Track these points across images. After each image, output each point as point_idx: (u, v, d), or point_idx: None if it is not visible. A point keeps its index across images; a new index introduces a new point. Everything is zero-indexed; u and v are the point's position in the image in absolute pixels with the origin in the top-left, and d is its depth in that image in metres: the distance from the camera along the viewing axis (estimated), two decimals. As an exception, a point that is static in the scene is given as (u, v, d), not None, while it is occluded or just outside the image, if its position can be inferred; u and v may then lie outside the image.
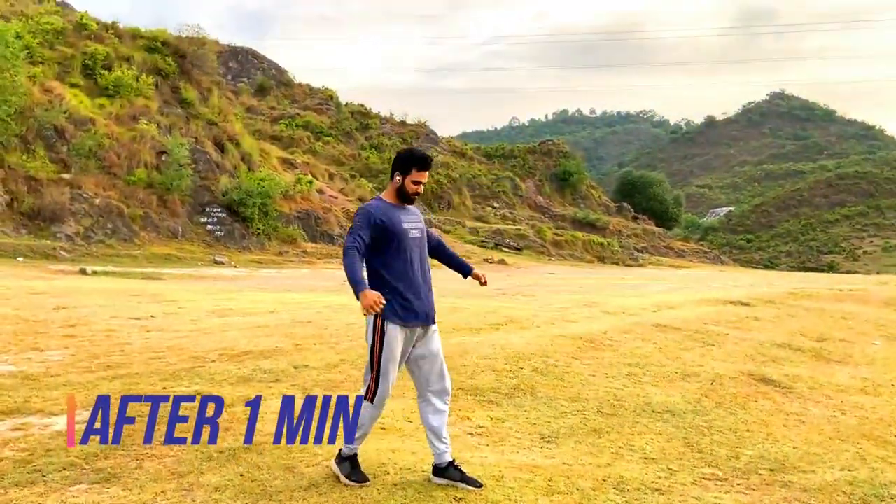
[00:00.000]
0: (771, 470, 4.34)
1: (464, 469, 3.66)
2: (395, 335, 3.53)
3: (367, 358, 3.61)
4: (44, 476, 3.57)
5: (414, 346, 3.66)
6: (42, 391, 5.12)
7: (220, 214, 28.20)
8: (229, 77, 60.95)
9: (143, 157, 26.88)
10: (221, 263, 24.67)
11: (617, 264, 41.38)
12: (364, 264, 3.52)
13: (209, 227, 27.76)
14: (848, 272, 78.66)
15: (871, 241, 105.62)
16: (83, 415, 4.62)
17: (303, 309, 10.34)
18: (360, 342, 7.61)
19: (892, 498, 3.83)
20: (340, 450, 3.69)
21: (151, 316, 8.89)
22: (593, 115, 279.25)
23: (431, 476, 3.65)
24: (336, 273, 23.20)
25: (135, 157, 26.63)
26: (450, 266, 4.11)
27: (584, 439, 4.80)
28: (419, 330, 3.65)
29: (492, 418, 5.19)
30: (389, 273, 3.58)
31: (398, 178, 3.65)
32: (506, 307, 11.94)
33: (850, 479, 4.14)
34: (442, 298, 13.42)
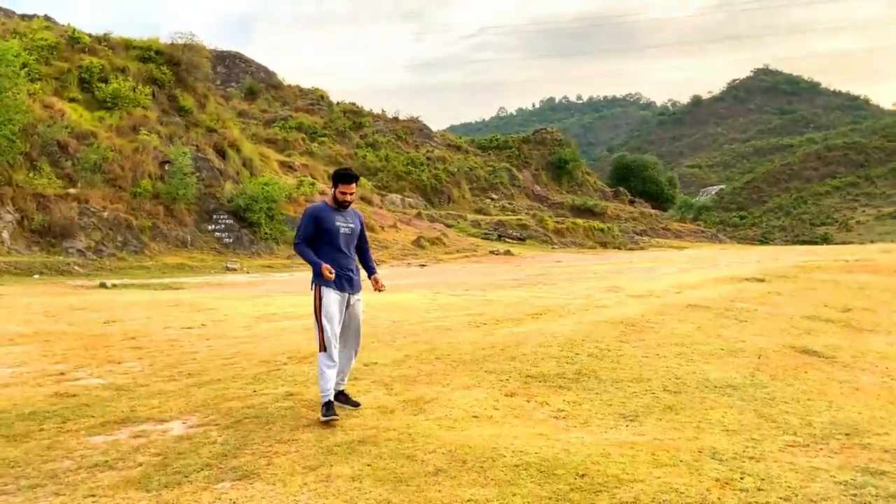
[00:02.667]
0: (846, 434, 4.63)
1: (348, 395, 5.15)
2: (329, 295, 4.90)
3: (313, 321, 4.96)
4: (186, 477, 3.82)
5: (345, 311, 5.01)
6: (140, 400, 5.35)
7: (227, 221, 28.37)
8: (218, 82, 60.83)
9: (147, 167, 27.01)
10: (234, 270, 24.85)
11: (619, 249, 41.73)
12: (308, 247, 4.95)
13: (217, 234, 27.93)
14: (842, 243, 79.27)
15: (864, 211, 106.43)
16: (191, 420, 4.87)
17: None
18: (414, 338, 7.87)
19: (970, 452, 4.12)
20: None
21: (202, 325, 9.11)
22: (580, 102, 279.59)
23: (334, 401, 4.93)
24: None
25: (138, 169, 26.74)
26: (362, 261, 5.31)
27: (663, 416, 5.07)
28: (348, 296, 5.01)
29: (568, 402, 5.46)
30: (324, 256, 4.91)
31: (331, 189, 5.00)
32: (534, 297, 12.21)
33: (925, 438, 4.44)
34: (468, 292, 13.71)
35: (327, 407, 4.79)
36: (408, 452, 4.13)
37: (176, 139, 28.96)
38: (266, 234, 29.07)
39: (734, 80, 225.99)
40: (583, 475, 3.66)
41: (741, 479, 3.64)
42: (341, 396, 5.05)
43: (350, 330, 5.09)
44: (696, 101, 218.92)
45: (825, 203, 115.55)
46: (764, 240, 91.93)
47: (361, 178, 45.74)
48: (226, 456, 4.13)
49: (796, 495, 3.41)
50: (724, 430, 4.73)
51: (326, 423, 4.65)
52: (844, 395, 5.80)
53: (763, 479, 3.64)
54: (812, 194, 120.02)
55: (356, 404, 5.05)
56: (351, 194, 4.99)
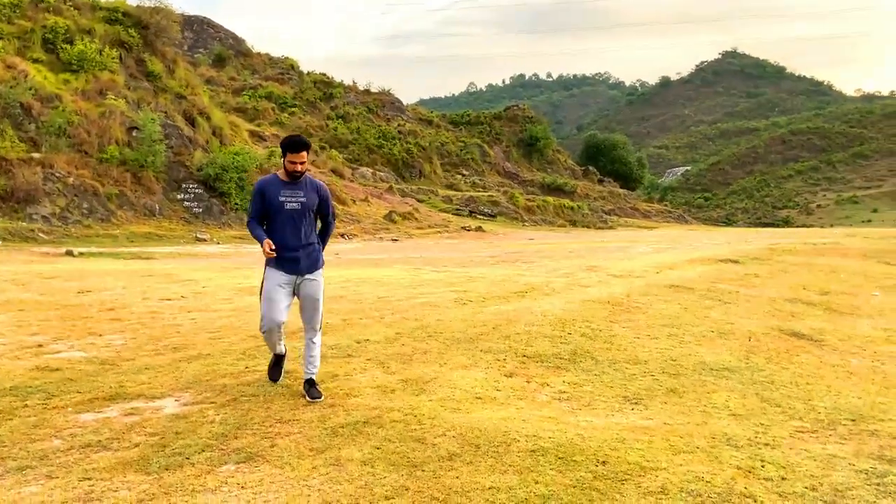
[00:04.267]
0: (852, 420, 4.62)
1: (316, 384, 4.77)
2: (273, 275, 4.67)
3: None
4: (187, 458, 3.63)
5: (297, 291, 4.76)
6: (128, 375, 5.12)
7: (196, 191, 27.69)
8: (185, 48, 59.14)
9: (114, 133, 26.13)
10: (204, 240, 24.32)
11: (588, 227, 41.94)
12: (257, 224, 4.71)
13: (186, 203, 27.25)
14: (803, 226, 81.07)
15: (825, 195, 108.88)
16: (184, 397, 4.67)
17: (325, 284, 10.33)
18: (403, 315, 7.72)
19: (979, 439, 4.14)
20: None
21: (182, 297, 8.83)
22: (550, 80, 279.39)
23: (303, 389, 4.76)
24: (327, 247, 23.10)
25: (105, 134, 25.86)
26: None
27: (668, 399, 5.02)
28: (296, 277, 4.71)
29: (568, 383, 5.38)
30: (272, 232, 4.63)
31: (282, 159, 4.65)
32: (517, 274, 12.13)
33: (931, 425, 4.45)
34: (448, 269, 13.57)
35: (275, 360, 5.02)
36: (416, 435, 3.99)
37: (144, 105, 28.06)
38: (236, 204, 28.46)
39: (702, 62, 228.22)
40: (603, 462, 3.56)
41: (762, 467, 3.59)
42: (306, 385, 4.73)
43: (305, 312, 4.82)
44: (665, 82, 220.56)
45: (788, 187, 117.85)
46: (728, 221, 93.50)
47: (333, 150, 45.10)
48: (226, 437, 3.95)
49: (821, 484, 3.36)
50: (732, 415, 4.69)
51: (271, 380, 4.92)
52: (840, 380, 5.83)
53: (784, 468, 3.59)
54: (775, 178, 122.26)
55: (316, 397, 4.59)
56: (301, 164, 4.56)
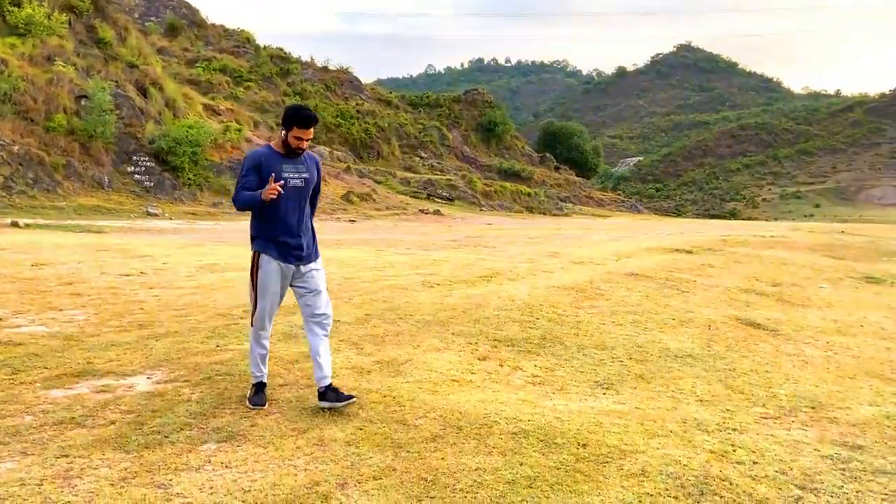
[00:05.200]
0: (812, 408, 4.82)
1: (339, 389, 4.12)
2: (270, 266, 4.03)
3: (249, 288, 4.16)
4: (166, 437, 3.58)
5: (293, 282, 4.15)
6: (95, 351, 5.00)
7: (147, 164, 26.95)
8: (136, 15, 57.30)
9: (62, 101, 25.21)
10: (155, 215, 23.75)
11: (544, 214, 42.36)
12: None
13: (137, 177, 26.53)
14: (748, 219, 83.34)
15: (770, 189, 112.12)
16: (157, 375, 4.58)
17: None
18: (371, 296, 7.70)
19: (931, 428, 4.36)
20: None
21: (141, 272, 8.62)
22: (508, 65, 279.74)
23: (318, 402, 4.07)
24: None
25: (53, 102, 24.93)
26: None
27: (637, 385, 5.15)
28: (293, 268, 4.10)
29: (540, 368, 5.46)
30: (267, 215, 4.01)
31: (283, 132, 3.99)
32: (480, 259, 12.20)
33: (885, 414, 4.66)
34: (411, 251, 13.57)
35: (256, 389, 4.13)
36: (397, 417, 4.01)
37: (94, 73, 27.13)
38: (189, 179, 27.82)
39: (658, 55, 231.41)
40: (584, 445, 3.64)
41: (734, 451, 3.72)
42: (331, 393, 4.04)
43: (314, 308, 4.12)
44: (621, 73, 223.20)
45: (735, 180, 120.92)
46: (677, 212, 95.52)
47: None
48: (205, 415, 3.90)
49: (791, 469, 3.51)
50: (699, 401, 4.83)
51: (253, 408, 4.00)
52: (797, 369, 6.06)
53: (754, 452, 3.72)
54: (724, 171, 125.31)
55: (349, 398, 4.05)
56: (307, 141, 4.00)
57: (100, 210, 23.09)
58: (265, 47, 59.27)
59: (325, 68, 58.33)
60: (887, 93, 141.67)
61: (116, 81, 28.06)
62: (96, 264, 9.11)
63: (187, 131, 27.96)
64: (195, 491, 3.00)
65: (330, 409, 3.99)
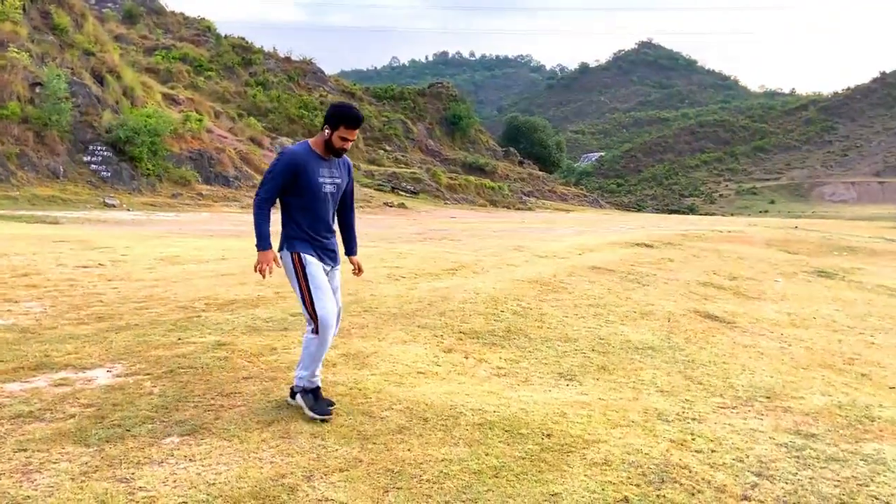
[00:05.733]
0: (767, 398, 4.95)
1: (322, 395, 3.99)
2: (314, 263, 3.82)
3: (298, 298, 3.86)
4: (128, 430, 3.52)
5: None
6: (52, 344, 4.89)
7: (104, 153, 26.36)
8: (93, 2, 55.79)
9: (15, 88, 24.52)
10: (113, 206, 23.25)
11: (508, 208, 42.59)
12: (269, 212, 3.80)
13: (94, 167, 25.93)
14: (706, 214, 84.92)
15: (727, 185, 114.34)
16: (116, 368, 4.51)
17: (251, 256, 10.09)
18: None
19: (880, 418, 4.53)
20: (294, 385, 3.93)
21: (100, 264, 8.45)
22: (473, 59, 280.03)
23: (289, 398, 3.99)
24: (242, 217, 22.53)
25: (6, 89, 24.23)
26: (342, 232, 4.18)
27: (600, 376, 5.23)
28: (328, 267, 3.95)
29: (505, 360, 5.51)
30: (302, 216, 3.82)
31: (327, 131, 3.71)
32: (445, 252, 12.23)
33: (837, 404, 4.82)
34: (376, 244, 13.53)
35: (316, 396, 3.85)
36: (363, 409, 4.01)
37: (49, 60, 26.40)
38: (148, 169, 27.31)
39: (620, 51, 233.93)
40: (549, 435, 3.69)
41: (693, 440, 3.81)
42: (310, 396, 3.93)
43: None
44: (584, 69, 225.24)
45: (694, 176, 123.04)
46: (638, 207, 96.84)
47: (251, 118, 43.73)
48: (167, 409, 3.85)
49: (747, 456, 3.61)
50: (659, 391, 4.93)
51: (322, 421, 3.72)
52: (753, 360, 6.22)
53: (713, 441, 3.82)
54: (683, 167, 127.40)
55: (330, 404, 3.93)
56: (352, 142, 3.78)
57: (55, 200, 22.53)
58: (226, 36, 58.35)
59: (287, 59, 57.68)
60: (839, 92, 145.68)
61: (72, 69, 27.37)
62: (53, 256, 8.90)
63: (146, 121, 27.42)
64: (158, 484, 2.97)
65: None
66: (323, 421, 3.73)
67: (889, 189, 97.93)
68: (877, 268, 15.72)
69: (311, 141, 3.83)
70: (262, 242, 3.70)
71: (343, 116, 3.68)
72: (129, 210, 22.98)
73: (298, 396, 3.89)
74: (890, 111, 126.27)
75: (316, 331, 3.79)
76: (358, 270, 4.24)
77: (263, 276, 3.78)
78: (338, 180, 3.88)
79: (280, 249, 3.87)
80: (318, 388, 3.91)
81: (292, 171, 3.70)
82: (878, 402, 4.97)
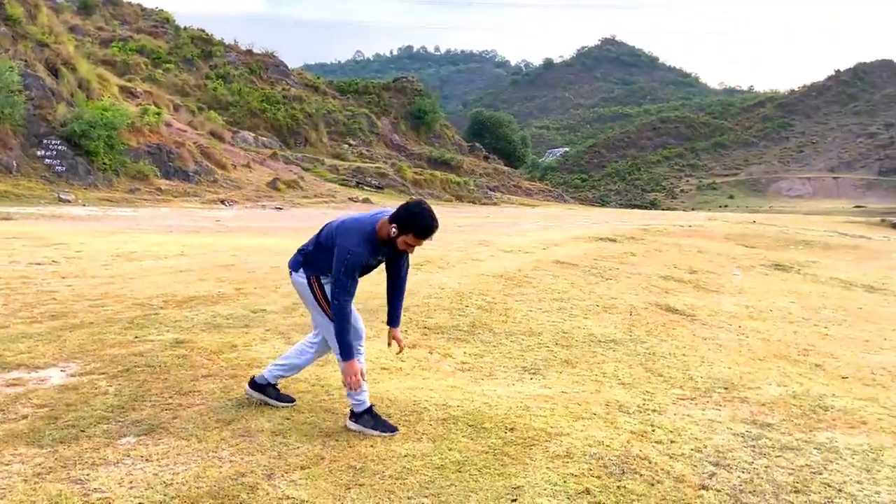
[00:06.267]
0: (725, 388, 5.05)
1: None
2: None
3: (320, 317, 3.68)
4: (83, 431, 3.44)
5: None
6: (4, 343, 4.75)
7: (59, 147, 25.64)
8: (46, -9, 54.20)
9: (-35, 80, 23.67)
10: (68, 202, 22.66)
11: (473, 203, 42.65)
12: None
13: (48, 161, 25.22)
14: (668, 209, 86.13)
15: (688, 181, 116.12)
16: (70, 368, 4.39)
17: (212, 252, 9.97)
18: (298, 285, 7.57)
19: (833, 408, 4.64)
20: (352, 409, 3.68)
21: (54, 261, 8.23)
22: (438, 53, 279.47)
23: (248, 388, 3.93)
24: (202, 213, 22.14)
25: (-46, 81, 23.38)
26: (389, 303, 3.95)
27: (563, 370, 5.27)
28: None
29: (469, 355, 5.52)
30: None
31: (394, 230, 3.44)
32: (409, 247, 12.19)
33: (792, 394, 4.93)
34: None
35: (374, 414, 3.65)
36: (326, 406, 3.98)
37: (1, 51, 25.57)
38: (104, 164, 26.63)
39: (583, 48, 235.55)
40: (511, 429, 3.71)
41: (653, 431, 3.86)
42: (272, 389, 3.93)
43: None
44: (548, 64, 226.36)
45: (656, 171, 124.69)
46: (602, 202, 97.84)
47: (212, 111, 42.99)
48: (123, 408, 3.77)
49: (705, 446, 3.67)
50: (621, 384, 4.99)
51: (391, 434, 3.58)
52: (712, 352, 6.33)
53: (672, 432, 3.88)
54: (645, 162, 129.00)
55: (290, 400, 3.96)
56: (416, 247, 3.58)
57: (7, 196, 21.87)
58: (185, 28, 57.23)
59: (249, 52, 56.79)
60: (796, 89, 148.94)
61: (26, 60, 26.56)
62: (5, 252, 8.64)
63: (102, 114, 26.74)
64: (114, 485, 2.90)
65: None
66: (392, 433, 3.59)
67: (843, 184, 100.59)
68: (831, 261, 16.14)
69: (378, 225, 3.49)
70: (349, 352, 3.45)
71: (416, 227, 3.42)
72: (84, 205, 22.44)
73: (352, 422, 3.67)
74: (844, 108, 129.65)
75: (347, 355, 3.51)
76: (399, 347, 3.88)
77: (355, 389, 3.52)
78: (387, 256, 3.66)
79: (296, 271, 3.73)
80: (371, 407, 3.69)
81: (361, 265, 3.49)
82: (832, 392, 5.09)
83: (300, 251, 3.82)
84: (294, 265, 3.79)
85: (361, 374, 3.55)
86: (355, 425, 3.63)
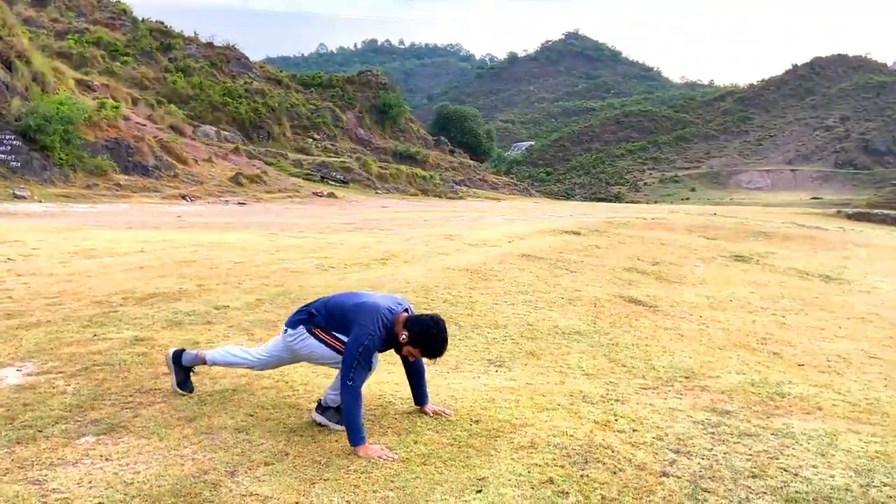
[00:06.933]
0: (686, 378, 5.14)
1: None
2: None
3: (328, 356, 3.60)
4: (40, 431, 3.37)
5: None
6: (-45, 346, 4.61)
7: (14, 142, 24.94)
8: (-2, -19, 52.61)
9: (-88, 72, 22.89)
10: (23, 198, 22.09)
11: (439, 197, 42.64)
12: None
13: (2, 157, 24.52)
14: (631, 202, 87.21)
15: (650, 174, 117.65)
16: (27, 367, 4.29)
17: (172, 248, 9.81)
18: (263, 281, 7.51)
19: (790, 395, 4.76)
20: (320, 400, 3.69)
21: (9, 258, 8.02)
22: (402, 47, 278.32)
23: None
24: (162, 209, 21.76)
25: None
26: (412, 385, 3.92)
27: (528, 361, 5.31)
28: None
29: (434, 347, 5.52)
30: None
31: (405, 337, 3.53)
32: (376, 241, 12.15)
33: (751, 382, 5.05)
34: (305, 234, 13.31)
35: (339, 412, 3.56)
36: (290, 402, 3.95)
37: (-51, 41, 24.75)
38: (61, 159, 26.00)
39: (547, 42, 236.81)
40: (477, 421, 3.73)
41: (616, 420, 3.92)
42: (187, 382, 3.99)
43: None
44: (513, 59, 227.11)
45: (620, 164, 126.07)
46: (567, 195, 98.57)
47: (171, 105, 42.24)
48: (81, 408, 3.70)
49: (666, 434, 3.73)
50: (585, 375, 5.05)
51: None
52: (674, 342, 6.44)
53: (634, 421, 3.94)
54: (609, 156, 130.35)
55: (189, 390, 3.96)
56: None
57: (-41, 192, 21.23)
58: (143, 20, 56.04)
59: (210, 44, 55.85)
60: (755, 84, 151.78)
61: (-24, 52, 25.77)
62: (-45, 251, 8.39)
63: (58, 108, 26.08)
64: (73, 486, 2.85)
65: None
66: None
67: (800, 176, 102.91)
68: (789, 251, 16.52)
69: (394, 319, 3.58)
70: (360, 436, 3.30)
71: (426, 347, 3.54)
72: (40, 202, 21.90)
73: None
74: (801, 102, 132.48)
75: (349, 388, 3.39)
76: (443, 413, 3.82)
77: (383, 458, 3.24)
78: (392, 349, 3.66)
79: (295, 327, 3.63)
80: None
81: (375, 352, 3.51)
82: (789, 380, 5.22)
83: (300, 312, 3.70)
84: (292, 324, 3.68)
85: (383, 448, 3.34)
86: (321, 417, 3.61)
